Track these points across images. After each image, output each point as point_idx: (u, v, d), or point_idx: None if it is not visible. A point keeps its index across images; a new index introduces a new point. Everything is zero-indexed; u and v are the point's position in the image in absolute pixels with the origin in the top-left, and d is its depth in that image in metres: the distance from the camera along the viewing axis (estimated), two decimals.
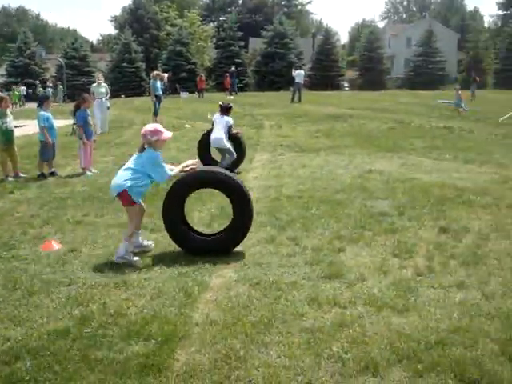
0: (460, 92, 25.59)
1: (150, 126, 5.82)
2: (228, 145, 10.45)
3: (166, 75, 37.35)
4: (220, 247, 5.84)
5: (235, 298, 4.67)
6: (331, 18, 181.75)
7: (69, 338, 3.99)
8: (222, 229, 6.19)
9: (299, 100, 30.46)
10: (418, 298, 4.69)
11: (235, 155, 10.49)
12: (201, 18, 62.78)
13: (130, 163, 5.80)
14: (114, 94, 41.39)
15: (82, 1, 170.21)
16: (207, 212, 7.58)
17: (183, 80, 48.23)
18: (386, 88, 56.96)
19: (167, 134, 5.81)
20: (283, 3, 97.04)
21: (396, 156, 12.50)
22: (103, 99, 17.44)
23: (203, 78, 40.16)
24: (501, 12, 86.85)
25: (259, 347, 3.86)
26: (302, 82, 32.52)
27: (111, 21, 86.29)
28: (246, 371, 3.57)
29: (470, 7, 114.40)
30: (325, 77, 56.08)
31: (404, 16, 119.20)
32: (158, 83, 21.47)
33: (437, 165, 11.40)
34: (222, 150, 10.54)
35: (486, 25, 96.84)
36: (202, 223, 6.97)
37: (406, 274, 5.26)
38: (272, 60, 55.12)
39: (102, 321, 4.26)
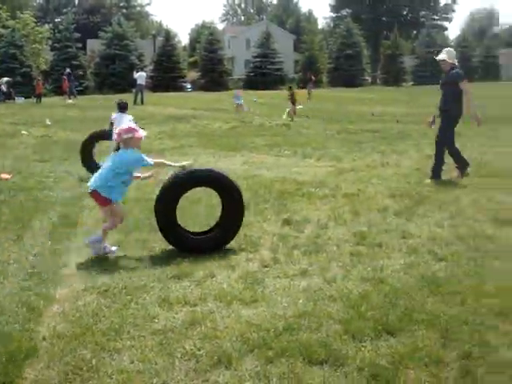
0: (239, 91, 26.87)
1: (125, 125, 6.09)
2: None
3: (4, 79, 35.16)
4: (213, 245, 5.87)
5: (83, 308, 4.53)
6: (171, 19, 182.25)
7: None
8: (211, 227, 6.20)
9: (142, 102, 30.22)
10: (265, 288, 4.87)
11: None
12: (35, 20, 59.43)
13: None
14: None
15: None
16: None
17: (18, 84, 45.30)
18: (228, 89, 58.08)
19: (142, 133, 5.94)
20: (122, 4, 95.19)
21: (239, 154, 12.86)
22: None
23: (40, 81, 38.18)
24: (333, 14, 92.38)
25: (111, 354, 3.79)
26: (144, 84, 32.34)
27: None
28: (98, 380, 3.49)
29: (304, 9, 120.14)
30: (167, 78, 55.95)
31: (242, 18, 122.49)
32: None
33: (278, 161, 11.91)
34: None
35: (320, 26, 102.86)
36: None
37: (252, 266, 5.45)
38: (112, 62, 53.79)
39: None
